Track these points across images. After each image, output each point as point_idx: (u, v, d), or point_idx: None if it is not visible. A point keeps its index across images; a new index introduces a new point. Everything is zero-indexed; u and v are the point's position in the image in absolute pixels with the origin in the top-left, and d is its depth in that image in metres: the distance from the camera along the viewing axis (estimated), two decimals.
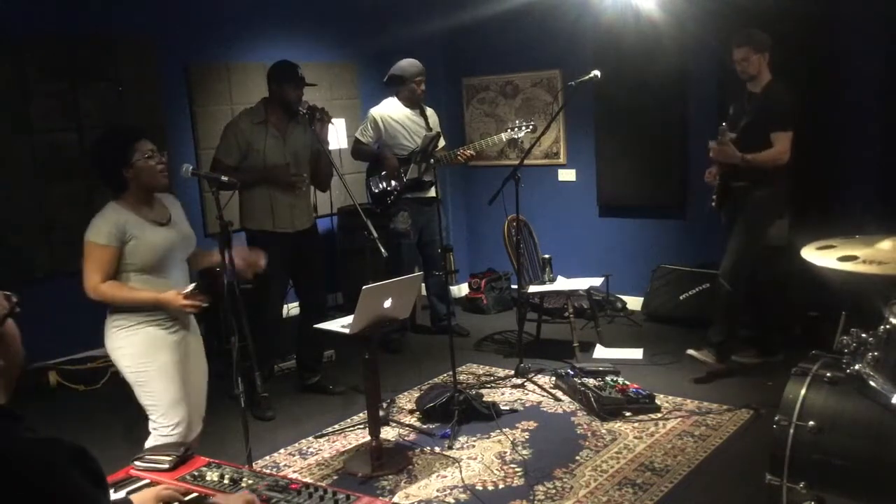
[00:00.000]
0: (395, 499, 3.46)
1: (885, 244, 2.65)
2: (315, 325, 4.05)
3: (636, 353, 5.16)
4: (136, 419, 3.15)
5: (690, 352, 4.70)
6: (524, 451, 3.87)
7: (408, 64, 5.47)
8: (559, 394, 4.57)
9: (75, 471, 1.35)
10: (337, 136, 5.02)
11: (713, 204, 4.70)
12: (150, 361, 3.00)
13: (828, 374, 2.55)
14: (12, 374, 1.49)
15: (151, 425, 3.05)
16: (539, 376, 4.85)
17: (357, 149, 5.62)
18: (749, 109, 4.52)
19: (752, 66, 4.46)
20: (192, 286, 2.98)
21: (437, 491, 3.52)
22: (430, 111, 5.65)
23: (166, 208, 3.12)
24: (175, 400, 3.03)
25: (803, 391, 2.53)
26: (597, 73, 4.67)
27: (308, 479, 3.51)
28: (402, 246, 5.53)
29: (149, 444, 2.97)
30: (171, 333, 3.07)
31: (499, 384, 4.82)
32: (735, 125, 4.53)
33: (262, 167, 4.47)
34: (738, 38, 4.48)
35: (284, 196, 4.54)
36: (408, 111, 5.53)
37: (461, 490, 3.51)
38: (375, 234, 4.05)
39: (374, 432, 3.76)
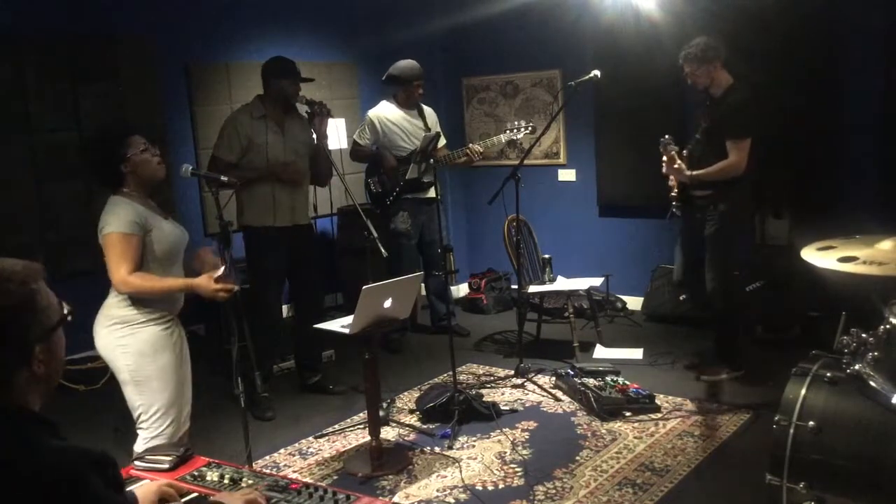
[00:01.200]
0: (395, 499, 3.46)
1: (885, 244, 2.65)
2: (315, 325, 4.04)
3: (636, 353, 5.16)
4: (128, 420, 3.12)
5: (704, 378, 4.61)
6: (524, 451, 3.87)
7: (407, 66, 5.46)
8: (559, 394, 4.57)
9: (97, 477, 1.39)
10: (338, 135, 5.03)
11: (674, 210, 4.57)
12: (152, 361, 2.97)
13: (828, 374, 2.55)
14: (52, 382, 1.52)
15: (140, 426, 3.00)
16: (539, 376, 4.85)
17: (355, 150, 5.63)
18: (708, 114, 4.46)
19: (700, 78, 4.40)
20: (222, 269, 2.93)
21: (437, 491, 3.52)
22: (428, 111, 5.64)
23: (158, 207, 3.13)
24: (170, 402, 3.00)
25: (803, 391, 2.53)
26: (597, 73, 4.67)
27: (308, 479, 3.51)
28: (402, 246, 5.53)
29: (137, 445, 2.95)
30: (171, 333, 3.05)
31: (499, 384, 4.82)
32: (697, 130, 4.48)
33: (265, 163, 4.46)
34: (681, 55, 4.42)
35: (285, 192, 4.55)
36: (404, 112, 5.52)
37: (461, 490, 3.51)
38: (375, 234, 4.05)
39: (374, 432, 3.75)
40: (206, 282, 2.93)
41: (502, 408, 4.37)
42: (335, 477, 3.73)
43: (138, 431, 3.01)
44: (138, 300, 2.96)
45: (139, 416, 3.01)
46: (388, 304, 3.61)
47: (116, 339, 2.97)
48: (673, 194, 4.55)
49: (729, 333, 4.66)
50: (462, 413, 4.19)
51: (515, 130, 5.42)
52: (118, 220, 2.90)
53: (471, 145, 5.51)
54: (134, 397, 3.00)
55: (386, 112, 5.52)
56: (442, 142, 5.63)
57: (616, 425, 4.10)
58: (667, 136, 4.41)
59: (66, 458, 1.39)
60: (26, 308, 1.47)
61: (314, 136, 4.58)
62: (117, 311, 2.97)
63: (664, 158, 4.43)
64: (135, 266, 2.89)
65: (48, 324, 1.50)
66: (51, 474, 1.35)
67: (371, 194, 5.60)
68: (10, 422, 1.41)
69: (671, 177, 4.56)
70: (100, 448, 1.43)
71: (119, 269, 2.87)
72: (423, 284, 5.78)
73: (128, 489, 1.93)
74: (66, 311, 1.54)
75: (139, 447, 2.94)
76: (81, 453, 1.40)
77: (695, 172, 4.34)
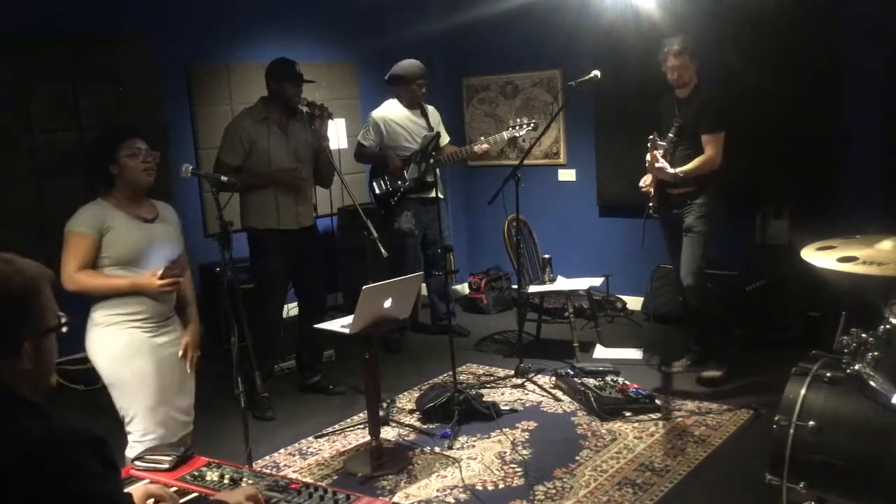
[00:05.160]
0: (395, 499, 3.46)
1: (885, 244, 2.65)
2: (315, 325, 4.05)
3: (636, 353, 5.16)
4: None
5: (704, 374, 4.60)
6: (524, 451, 3.87)
7: (410, 65, 5.47)
8: (559, 394, 4.57)
9: (89, 457, 1.41)
10: (338, 136, 5.02)
11: (650, 211, 4.61)
12: (127, 366, 2.95)
13: (828, 374, 2.55)
14: (40, 383, 1.55)
15: (127, 429, 3.00)
16: (539, 376, 4.85)
17: (360, 152, 5.63)
18: (680, 115, 4.48)
19: (685, 71, 4.44)
20: (164, 266, 2.95)
21: (437, 491, 3.52)
22: (431, 110, 5.65)
23: (156, 209, 3.12)
24: (149, 407, 2.98)
25: (803, 391, 2.54)
26: (597, 73, 4.67)
27: (308, 479, 3.51)
28: (406, 246, 5.54)
29: (128, 451, 2.94)
30: (153, 336, 3.03)
31: (499, 384, 4.82)
32: (664, 132, 4.50)
33: (267, 169, 4.46)
34: (678, 47, 4.42)
35: (289, 195, 4.55)
36: (408, 112, 5.53)
37: (461, 490, 3.51)
38: (375, 234, 4.05)
39: (374, 432, 3.75)
40: (148, 280, 2.93)
41: (502, 408, 4.37)
42: (335, 477, 3.73)
43: (127, 436, 3.01)
44: (114, 301, 2.95)
45: (122, 418, 3.01)
46: (388, 304, 3.61)
47: (95, 340, 2.97)
48: (651, 191, 4.60)
49: (710, 332, 4.67)
50: (462, 413, 4.19)
51: (518, 128, 5.42)
52: (76, 219, 2.94)
53: (482, 138, 5.52)
54: (116, 401, 3.01)
55: (389, 112, 5.52)
56: (445, 139, 5.64)
57: (616, 425, 4.10)
58: (655, 134, 4.43)
59: (57, 438, 1.40)
60: (25, 302, 1.51)
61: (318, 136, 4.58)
62: (97, 313, 2.97)
63: (648, 158, 4.45)
64: (82, 265, 2.90)
65: (41, 326, 1.53)
66: (42, 455, 1.36)
67: (376, 195, 5.61)
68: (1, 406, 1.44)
69: (648, 178, 4.61)
70: (88, 429, 1.45)
71: (66, 266, 2.88)
72: (423, 284, 5.78)
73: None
74: (61, 321, 1.58)
75: (127, 450, 2.94)
76: (72, 433, 1.42)
77: (680, 171, 4.37)
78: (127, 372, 2.96)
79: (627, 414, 4.19)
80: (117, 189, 3.01)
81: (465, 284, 6.91)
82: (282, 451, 4.06)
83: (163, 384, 3.02)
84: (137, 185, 3.02)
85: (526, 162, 5.13)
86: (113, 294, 2.95)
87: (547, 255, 5.54)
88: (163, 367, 3.03)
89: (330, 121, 4.55)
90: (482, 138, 5.64)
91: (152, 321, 3.03)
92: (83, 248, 2.90)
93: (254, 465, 3.20)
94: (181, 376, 3.14)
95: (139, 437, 2.97)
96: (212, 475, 2.12)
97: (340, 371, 5.07)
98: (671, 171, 4.37)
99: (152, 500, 1.89)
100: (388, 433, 4.13)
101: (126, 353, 2.96)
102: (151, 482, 2.09)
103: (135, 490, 1.90)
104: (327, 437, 4.20)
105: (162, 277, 2.91)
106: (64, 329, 1.58)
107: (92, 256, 2.93)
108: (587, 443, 3.92)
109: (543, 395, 4.59)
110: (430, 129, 5.48)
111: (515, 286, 5.58)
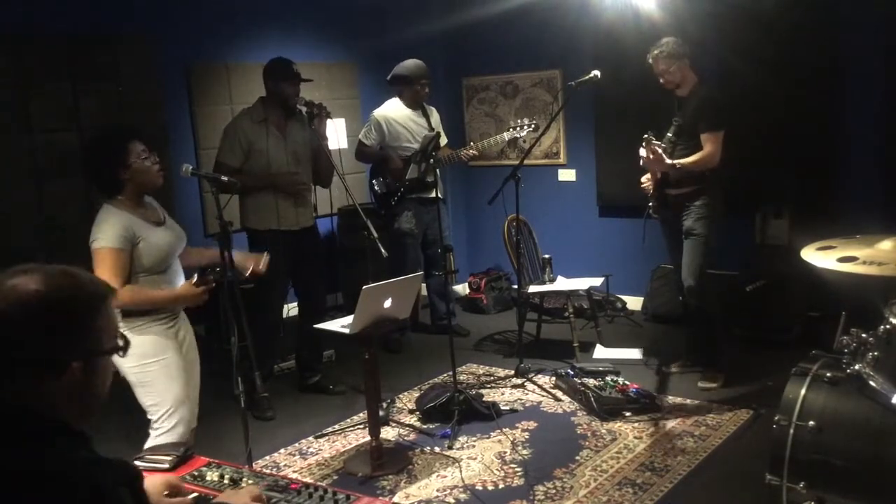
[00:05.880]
0: (395, 499, 3.46)
1: (885, 244, 2.65)
2: (315, 325, 4.05)
3: (636, 353, 5.16)
4: (137, 419, 3.14)
5: (701, 385, 4.57)
6: (524, 451, 3.87)
7: (413, 65, 5.46)
8: (559, 394, 4.57)
9: (125, 492, 1.37)
10: (336, 135, 5.01)
11: (650, 211, 4.62)
12: (155, 361, 2.99)
13: (828, 374, 2.56)
14: (89, 405, 1.47)
15: (152, 426, 3.03)
16: (539, 376, 4.85)
17: (360, 151, 5.63)
18: (680, 114, 4.48)
19: (675, 74, 4.43)
20: (195, 275, 2.99)
21: (437, 491, 3.52)
22: (432, 110, 5.65)
23: (157, 209, 3.14)
24: (178, 399, 3.03)
25: (803, 391, 2.54)
26: (597, 73, 4.67)
27: (308, 479, 3.51)
28: (407, 246, 5.54)
29: (148, 445, 2.95)
30: (172, 330, 3.09)
31: (499, 384, 4.82)
32: (665, 132, 4.49)
33: (266, 171, 4.46)
34: (653, 54, 4.44)
35: (287, 197, 4.55)
36: (410, 112, 5.53)
37: (461, 490, 3.51)
38: (375, 234, 4.05)
39: (374, 432, 3.76)
40: (188, 289, 2.97)
41: (502, 408, 4.37)
42: (335, 477, 3.73)
43: (150, 431, 3.04)
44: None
45: (150, 416, 3.04)
46: (388, 304, 3.61)
47: None
48: (650, 191, 4.59)
49: (710, 334, 4.65)
50: (462, 413, 4.19)
51: (519, 129, 5.42)
52: (107, 235, 2.90)
53: (466, 151, 5.52)
54: (143, 398, 3.04)
55: (391, 112, 5.52)
56: (443, 141, 5.64)
57: (616, 425, 4.10)
58: (650, 133, 4.43)
59: (97, 471, 1.36)
60: (82, 320, 1.42)
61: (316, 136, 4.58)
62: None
63: (643, 154, 4.44)
64: (124, 280, 2.91)
65: (96, 347, 1.44)
66: (81, 487, 1.32)
67: (376, 195, 5.60)
68: (41, 431, 1.37)
69: (646, 177, 4.61)
70: (127, 462, 1.43)
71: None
72: (423, 284, 5.78)
73: None
74: (119, 344, 1.49)
75: (149, 444, 2.96)
76: (112, 466, 1.38)
77: (677, 163, 4.37)
78: (156, 367, 2.99)
79: (627, 414, 4.19)
80: (125, 194, 3.00)
81: (465, 284, 6.91)
82: (282, 451, 4.06)
83: (186, 375, 3.09)
84: (150, 187, 3.05)
85: (526, 162, 5.13)
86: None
87: (547, 255, 5.54)
88: (184, 358, 3.10)
89: (329, 120, 4.56)
90: (471, 143, 5.65)
91: (170, 319, 3.08)
92: (121, 264, 2.90)
93: (254, 465, 3.20)
94: (193, 371, 3.20)
95: (164, 431, 3.00)
96: (212, 475, 2.12)
97: (340, 371, 5.07)
98: (668, 161, 4.37)
99: (168, 490, 1.89)
100: (388, 433, 4.13)
101: (154, 349, 2.99)
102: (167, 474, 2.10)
103: (151, 480, 1.90)
104: (327, 437, 4.20)
105: (197, 285, 2.95)
106: (121, 352, 1.49)
107: (129, 270, 2.93)
108: (587, 443, 3.92)
109: (543, 395, 4.59)
110: (431, 129, 5.48)
111: (515, 286, 5.58)
